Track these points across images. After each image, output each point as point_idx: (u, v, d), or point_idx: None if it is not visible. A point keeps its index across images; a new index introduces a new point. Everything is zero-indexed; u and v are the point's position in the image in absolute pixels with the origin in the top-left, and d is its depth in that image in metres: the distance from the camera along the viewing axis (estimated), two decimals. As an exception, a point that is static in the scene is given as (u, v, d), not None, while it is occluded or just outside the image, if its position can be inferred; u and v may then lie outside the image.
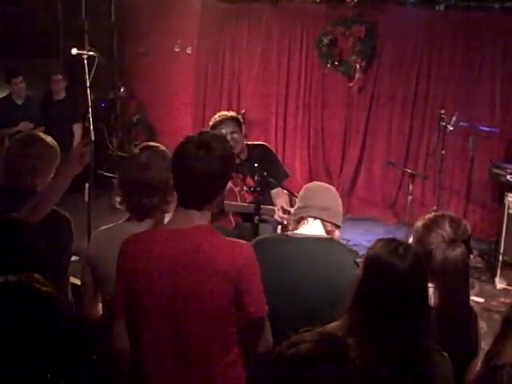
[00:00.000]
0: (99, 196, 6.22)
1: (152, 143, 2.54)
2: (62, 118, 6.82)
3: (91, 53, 4.56)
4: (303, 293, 2.33)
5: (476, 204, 6.69)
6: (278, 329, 2.09)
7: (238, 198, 3.97)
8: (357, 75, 7.04)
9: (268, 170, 3.71)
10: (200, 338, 1.97)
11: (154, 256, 1.98)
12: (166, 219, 2.32)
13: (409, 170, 6.15)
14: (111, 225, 2.50)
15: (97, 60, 4.63)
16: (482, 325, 4.01)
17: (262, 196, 3.66)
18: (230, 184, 2.11)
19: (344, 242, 2.66)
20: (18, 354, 1.39)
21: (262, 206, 3.58)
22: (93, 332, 2.44)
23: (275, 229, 3.85)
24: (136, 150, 2.46)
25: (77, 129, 6.88)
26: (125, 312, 2.05)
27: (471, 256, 2.25)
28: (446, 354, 1.86)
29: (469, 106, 6.47)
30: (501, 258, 5.39)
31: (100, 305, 2.49)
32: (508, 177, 5.56)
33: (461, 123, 5.81)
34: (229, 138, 4.05)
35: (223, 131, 4.08)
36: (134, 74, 8.47)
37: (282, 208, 3.70)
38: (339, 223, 2.55)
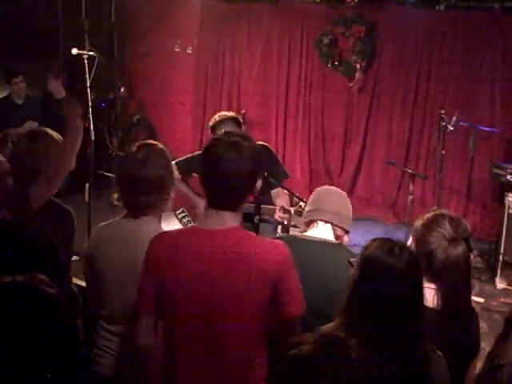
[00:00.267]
0: (99, 196, 6.21)
1: (150, 141, 2.54)
2: (62, 117, 6.80)
3: (91, 53, 4.56)
4: (310, 296, 2.33)
5: (476, 204, 6.69)
6: None
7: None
8: (357, 75, 7.04)
9: (268, 170, 3.70)
10: (235, 339, 1.97)
11: (190, 257, 1.98)
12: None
13: (409, 170, 6.14)
14: (109, 221, 2.51)
15: (97, 60, 4.63)
16: (483, 325, 3.98)
17: (262, 196, 3.66)
18: (260, 182, 2.12)
19: (351, 246, 2.66)
20: (19, 352, 1.39)
21: (262, 206, 3.58)
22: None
23: (275, 229, 3.85)
24: (134, 148, 2.46)
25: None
26: (154, 310, 2.05)
27: (471, 255, 2.25)
28: (440, 354, 1.86)
29: (469, 105, 6.48)
30: (501, 257, 5.40)
31: None
32: (508, 177, 5.55)
33: (461, 123, 5.81)
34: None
35: (223, 131, 4.08)
36: (134, 74, 8.47)
37: (283, 208, 3.70)
38: (349, 228, 2.58)
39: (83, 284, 2.72)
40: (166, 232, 2.12)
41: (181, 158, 4.09)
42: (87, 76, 4.43)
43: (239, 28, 7.80)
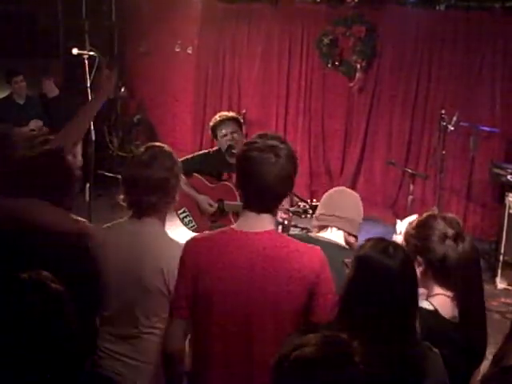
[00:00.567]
0: (100, 196, 6.21)
1: (158, 143, 2.55)
2: (60, 114, 6.79)
3: (92, 53, 4.55)
4: None
5: (476, 204, 6.68)
6: None
7: (238, 198, 3.97)
8: (357, 75, 7.04)
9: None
10: (271, 341, 1.93)
11: (228, 259, 1.97)
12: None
13: (409, 170, 6.14)
14: (112, 223, 2.51)
15: (97, 60, 4.62)
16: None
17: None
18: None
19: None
20: (21, 350, 1.41)
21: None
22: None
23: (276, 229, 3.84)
24: (141, 149, 2.48)
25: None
26: (188, 314, 2.04)
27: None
28: (436, 351, 1.86)
29: (469, 105, 6.47)
30: (501, 258, 5.40)
31: None
32: (508, 177, 5.55)
33: (461, 123, 5.81)
34: (229, 138, 4.06)
35: (223, 131, 4.09)
36: (135, 74, 8.48)
37: (283, 208, 3.70)
38: (357, 233, 2.60)
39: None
40: (202, 235, 2.11)
41: (181, 159, 4.09)
42: (87, 76, 4.42)
43: (239, 28, 7.80)
